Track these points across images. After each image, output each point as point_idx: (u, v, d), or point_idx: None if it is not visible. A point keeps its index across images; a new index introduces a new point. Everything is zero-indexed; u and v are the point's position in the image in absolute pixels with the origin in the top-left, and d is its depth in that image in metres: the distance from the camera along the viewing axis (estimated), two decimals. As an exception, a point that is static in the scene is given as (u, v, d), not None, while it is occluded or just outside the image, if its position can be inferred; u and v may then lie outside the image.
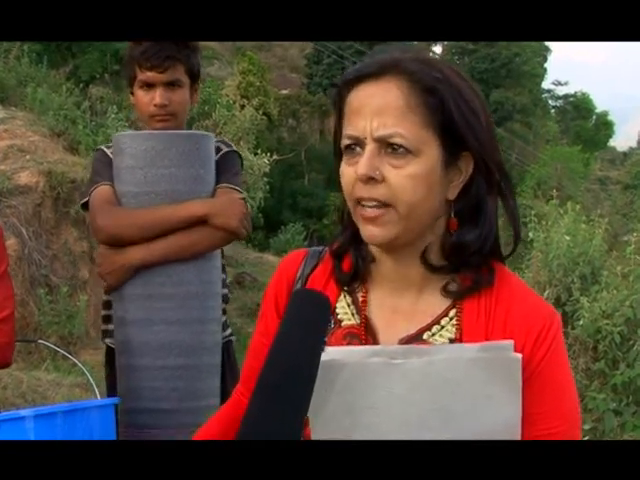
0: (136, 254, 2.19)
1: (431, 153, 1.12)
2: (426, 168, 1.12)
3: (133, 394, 2.18)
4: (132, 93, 2.39)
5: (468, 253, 1.16)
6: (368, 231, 1.14)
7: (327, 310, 1.06)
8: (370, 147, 1.12)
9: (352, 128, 1.13)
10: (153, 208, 2.18)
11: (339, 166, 1.18)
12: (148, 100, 2.31)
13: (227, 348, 2.46)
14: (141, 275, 2.20)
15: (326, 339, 1.20)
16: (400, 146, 1.10)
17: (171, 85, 2.32)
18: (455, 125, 1.12)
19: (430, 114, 1.11)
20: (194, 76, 2.39)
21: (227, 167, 2.36)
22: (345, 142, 1.15)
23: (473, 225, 1.16)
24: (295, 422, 0.94)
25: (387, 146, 1.11)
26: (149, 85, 2.31)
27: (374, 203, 1.12)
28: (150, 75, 2.29)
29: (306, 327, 1.01)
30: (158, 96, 2.30)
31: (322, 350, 1.01)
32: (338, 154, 1.18)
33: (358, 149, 1.13)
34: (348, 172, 1.14)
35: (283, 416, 0.93)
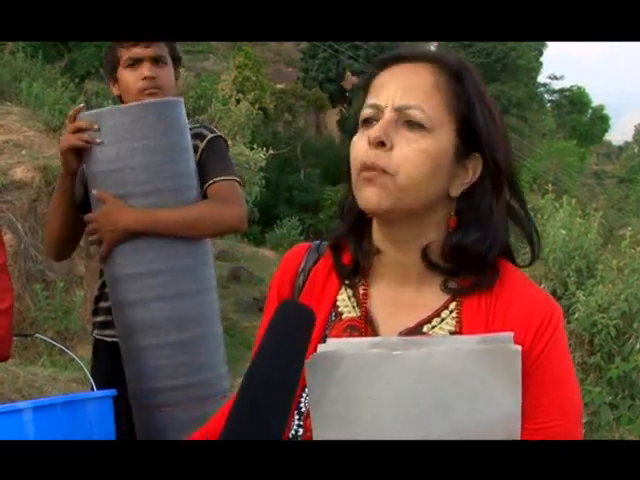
0: (134, 216, 2.11)
1: (445, 135, 1.13)
2: (437, 147, 1.12)
3: (142, 376, 2.15)
4: (114, 83, 2.38)
5: (467, 256, 1.15)
6: (364, 195, 1.13)
7: (311, 325, 1.05)
8: (388, 115, 1.13)
9: (375, 97, 1.15)
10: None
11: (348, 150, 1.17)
12: (136, 76, 2.32)
13: None
14: (128, 254, 2.15)
15: (327, 334, 1.20)
16: (417, 123, 1.12)
17: (156, 61, 2.34)
18: (474, 117, 1.14)
19: (454, 99, 1.14)
20: (176, 59, 2.43)
21: (217, 155, 2.36)
22: (365, 113, 1.15)
23: (474, 228, 1.16)
24: (272, 437, 0.94)
25: (405, 119, 1.12)
26: (136, 62, 2.32)
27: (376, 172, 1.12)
28: (136, 51, 2.31)
29: (288, 342, 1.00)
30: (146, 69, 2.32)
31: (302, 366, 1.01)
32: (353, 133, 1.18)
33: (375, 123, 1.14)
34: (360, 140, 1.15)
35: (260, 431, 0.93)
